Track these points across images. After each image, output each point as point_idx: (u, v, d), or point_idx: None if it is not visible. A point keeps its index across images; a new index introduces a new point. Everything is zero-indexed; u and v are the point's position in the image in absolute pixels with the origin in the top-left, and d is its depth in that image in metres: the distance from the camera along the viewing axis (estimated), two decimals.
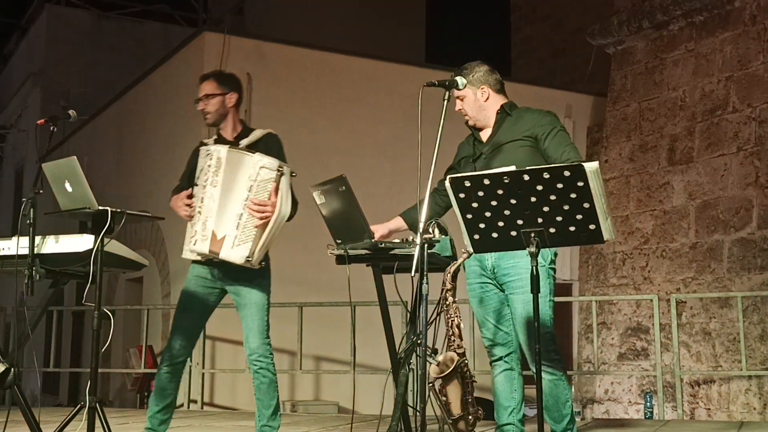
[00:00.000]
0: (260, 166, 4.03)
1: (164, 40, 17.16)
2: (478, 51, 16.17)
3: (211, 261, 4.17)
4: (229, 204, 4.03)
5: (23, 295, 3.72)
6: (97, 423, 3.77)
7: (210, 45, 10.47)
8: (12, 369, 3.94)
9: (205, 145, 4.28)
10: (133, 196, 11.78)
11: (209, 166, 4.09)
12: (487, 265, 3.96)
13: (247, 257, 3.99)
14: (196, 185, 4.14)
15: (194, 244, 4.07)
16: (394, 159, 10.98)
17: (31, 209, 3.70)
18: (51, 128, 3.99)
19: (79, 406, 3.77)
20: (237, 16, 16.26)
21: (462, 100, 4.07)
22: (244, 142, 4.24)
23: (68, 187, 3.77)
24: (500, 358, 4.00)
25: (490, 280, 3.99)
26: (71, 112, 4.15)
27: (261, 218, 3.99)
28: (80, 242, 3.77)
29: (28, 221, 3.71)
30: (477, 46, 16.21)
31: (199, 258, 4.19)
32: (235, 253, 3.99)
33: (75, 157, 3.72)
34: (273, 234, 4.05)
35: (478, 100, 4.08)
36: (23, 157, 18.34)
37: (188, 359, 4.34)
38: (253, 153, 4.09)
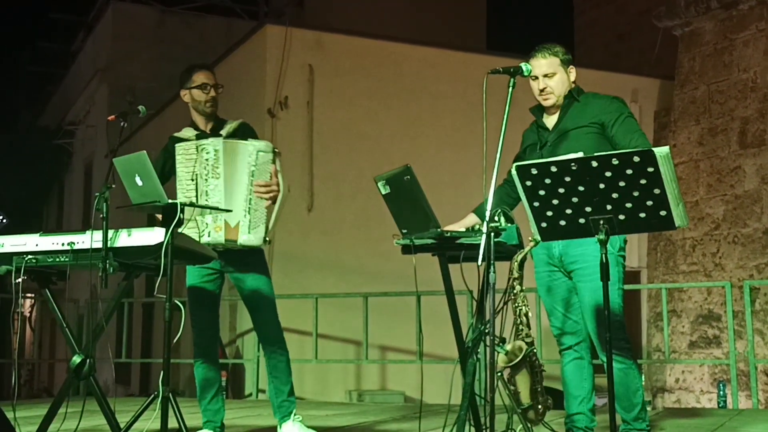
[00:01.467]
0: (257, 150, 4.24)
1: (226, 34, 17.36)
2: (540, 36, 16.01)
3: (214, 251, 4.30)
4: (235, 192, 4.21)
5: (95, 287, 3.81)
6: (170, 412, 3.85)
7: (272, 37, 10.57)
8: (87, 360, 4.05)
9: (181, 139, 4.39)
10: None
11: (206, 160, 4.22)
12: (555, 253, 3.96)
13: (265, 238, 4.23)
14: (193, 180, 4.24)
15: (208, 236, 4.20)
16: (457, 148, 10.95)
17: (104, 204, 3.79)
18: (121, 124, 4.08)
19: (152, 396, 3.86)
20: (297, 8, 16.35)
21: (550, 77, 4.00)
22: (223, 133, 4.41)
23: (139, 182, 3.85)
24: (570, 347, 3.98)
25: (557, 268, 3.99)
26: (140, 107, 4.24)
27: (269, 198, 4.22)
28: (152, 236, 3.85)
29: (101, 215, 3.80)
30: (539, 32, 16.04)
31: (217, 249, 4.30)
32: (253, 236, 4.21)
33: (145, 151, 3.80)
34: (280, 211, 4.28)
35: (566, 80, 4.04)
36: (92, 152, 18.76)
37: (218, 347, 4.54)
38: (246, 140, 4.28)
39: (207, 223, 4.22)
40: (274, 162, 4.27)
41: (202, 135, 4.42)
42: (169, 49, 17.54)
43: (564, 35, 16.36)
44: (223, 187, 4.19)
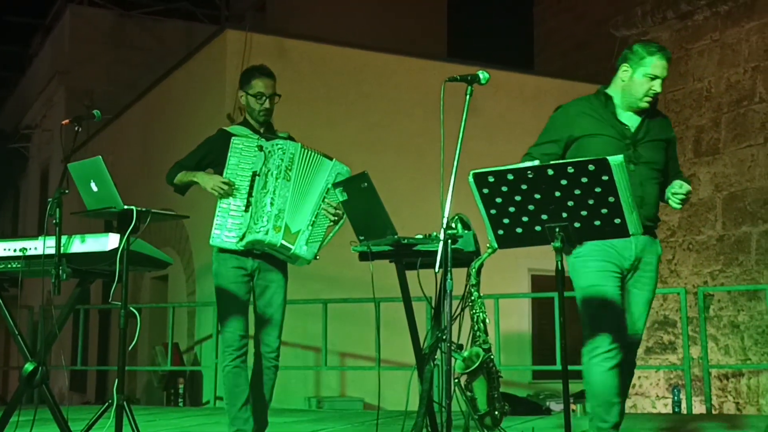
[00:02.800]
0: (337, 172, 4.27)
1: (186, 38, 17.24)
2: (500, 44, 16.13)
3: (250, 252, 4.23)
4: (305, 202, 4.22)
5: (50, 294, 3.76)
6: (125, 421, 3.81)
7: (232, 42, 10.51)
8: (40, 368, 3.99)
9: (232, 134, 4.30)
10: (157, 194, 11.84)
11: (282, 159, 4.20)
12: (631, 248, 3.74)
13: (315, 254, 4.25)
14: (258, 175, 4.18)
15: (266, 234, 4.13)
16: (416, 155, 10.97)
17: (57, 209, 3.74)
18: (76, 128, 4.03)
19: (107, 404, 3.81)
20: (258, 13, 16.30)
21: (662, 82, 3.90)
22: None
23: (94, 187, 3.81)
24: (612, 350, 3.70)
25: (618, 270, 3.73)
26: (95, 111, 4.18)
27: (333, 220, 4.25)
28: (106, 241, 3.81)
29: (54, 221, 3.75)
30: (499, 40, 16.18)
31: (239, 248, 4.19)
32: (308, 249, 4.21)
33: (101, 156, 3.76)
34: (332, 236, 4.30)
35: None
36: (48, 157, 18.50)
37: (247, 350, 4.35)
38: (331, 158, 4.29)
39: (267, 220, 4.15)
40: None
41: (254, 131, 4.37)
42: (127, 53, 17.39)
43: (523, 44, 16.48)
44: (292, 191, 4.19)
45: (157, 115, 12.85)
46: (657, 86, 3.83)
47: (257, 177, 4.18)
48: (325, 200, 4.24)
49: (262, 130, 4.40)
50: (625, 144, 3.79)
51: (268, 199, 4.14)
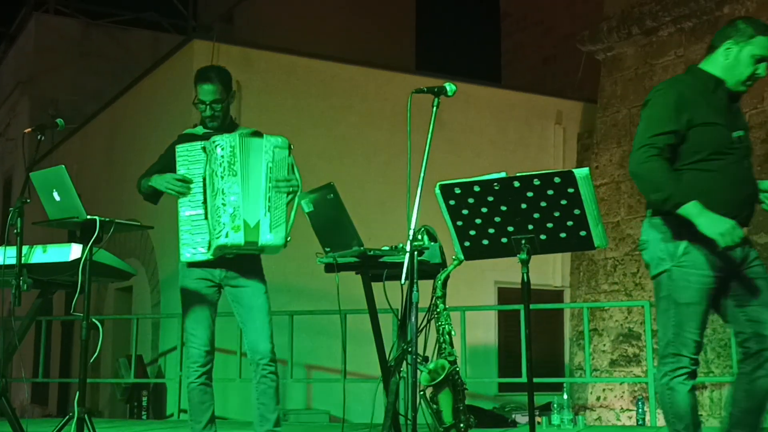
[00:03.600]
0: (273, 146, 4.01)
1: (153, 48, 17.12)
2: (468, 57, 16.21)
3: (212, 262, 4.04)
4: (253, 190, 3.96)
5: (11, 305, 3.70)
6: None
7: (199, 52, 10.46)
8: (0, 380, 3.92)
9: (191, 137, 4.16)
10: (122, 205, 11.74)
11: (222, 157, 3.96)
12: (737, 254, 3.36)
13: (286, 237, 3.98)
14: (205, 178, 3.99)
15: (226, 237, 3.92)
16: (383, 166, 10.97)
17: (19, 219, 3.68)
18: (39, 137, 3.97)
19: (67, 417, 3.75)
20: (226, 24, 16.24)
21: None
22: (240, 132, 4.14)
23: (56, 197, 3.76)
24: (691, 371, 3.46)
25: (721, 275, 3.38)
26: (59, 120, 4.13)
27: (288, 194, 3.99)
28: (68, 252, 3.76)
29: (15, 231, 3.69)
30: (467, 53, 16.28)
31: (208, 258, 4.01)
32: (275, 236, 3.95)
33: (63, 166, 3.71)
34: (296, 210, 4.04)
35: None
36: (12, 166, 18.27)
37: (212, 366, 4.17)
38: (261, 135, 4.04)
39: (224, 223, 3.93)
40: (291, 157, 4.06)
41: (211, 134, 4.13)
42: (93, 63, 17.22)
43: (491, 57, 16.60)
44: (241, 184, 3.94)
45: (122, 124, 12.74)
46: (762, 69, 3.41)
47: (205, 180, 4.01)
48: (271, 179, 3.97)
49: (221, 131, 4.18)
50: (738, 136, 3.38)
51: (219, 201, 3.94)
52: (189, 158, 4.04)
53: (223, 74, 4.29)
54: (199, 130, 4.26)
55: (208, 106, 4.16)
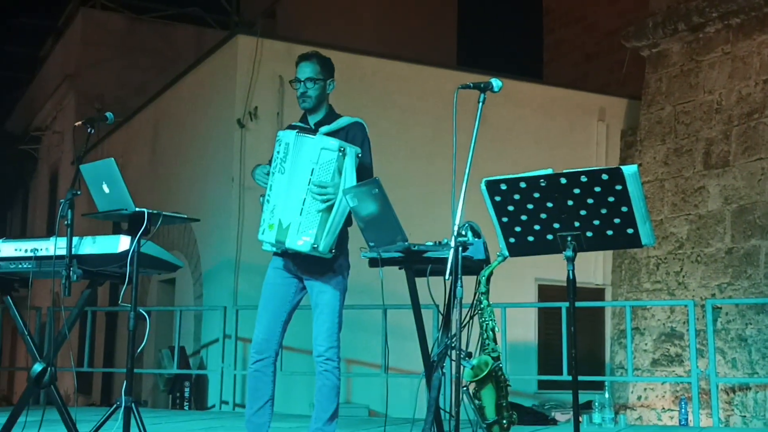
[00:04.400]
0: (321, 147, 3.89)
1: (196, 43, 17.28)
2: (510, 54, 16.13)
3: (286, 252, 4.05)
4: (294, 191, 3.90)
5: (58, 295, 3.76)
6: (132, 423, 3.80)
7: (243, 48, 10.53)
8: (48, 369, 3.99)
9: (293, 128, 4.14)
10: (166, 197, 11.88)
11: (278, 152, 3.96)
12: None
13: (313, 244, 3.85)
14: (267, 174, 4.02)
15: (262, 234, 3.95)
16: (425, 162, 10.97)
17: (69, 210, 3.74)
18: (88, 130, 4.04)
19: (115, 406, 3.81)
20: (269, 19, 16.32)
21: None
22: (323, 129, 4.09)
23: (105, 189, 3.81)
24: None
25: None
26: (108, 114, 4.19)
27: (323, 201, 3.86)
28: (117, 243, 3.81)
29: (66, 222, 3.75)
30: (509, 49, 16.17)
31: (275, 250, 4.05)
32: (301, 240, 3.86)
33: (113, 158, 3.76)
34: (339, 218, 3.91)
35: None
36: (58, 158, 18.56)
37: (276, 355, 4.17)
38: (314, 135, 3.97)
39: (264, 219, 3.94)
40: (337, 162, 3.89)
41: (303, 130, 4.11)
42: (138, 57, 17.43)
43: (533, 53, 16.48)
44: (286, 183, 3.91)
45: (166, 119, 12.87)
46: None
47: (266, 175, 4.04)
48: (311, 181, 3.87)
49: (318, 119, 4.16)
50: None
51: (267, 196, 3.97)
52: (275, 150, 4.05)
53: (326, 59, 4.27)
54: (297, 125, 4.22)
55: (302, 83, 4.13)
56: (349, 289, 10.33)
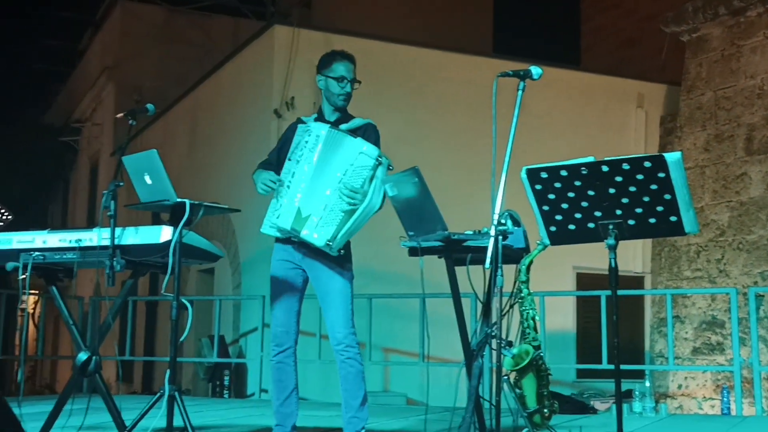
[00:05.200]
0: (359, 151, 3.95)
1: (233, 34, 17.35)
2: (547, 41, 16.00)
3: (291, 240, 4.10)
4: (320, 183, 3.94)
5: (99, 285, 3.81)
6: (174, 411, 3.85)
7: (280, 38, 10.56)
8: (93, 357, 4.05)
9: (303, 122, 4.21)
10: (204, 187, 11.97)
11: (306, 142, 4.00)
12: None
13: (328, 240, 3.90)
14: (289, 160, 4.06)
15: (277, 218, 3.98)
16: (463, 150, 10.94)
17: (112, 201, 3.79)
18: (130, 122, 4.08)
19: (159, 394, 3.85)
20: (304, 9, 16.34)
21: None
22: (343, 127, 4.15)
23: (148, 180, 3.85)
24: None
25: None
26: (149, 105, 4.24)
27: (349, 203, 3.92)
28: (159, 234, 3.85)
29: (109, 213, 3.80)
30: (546, 36, 16.03)
31: (279, 235, 4.12)
32: (317, 234, 3.90)
33: (156, 150, 3.79)
34: (358, 223, 3.97)
35: None
36: (98, 150, 18.77)
37: (295, 344, 4.23)
38: (356, 137, 4.02)
39: (281, 204, 3.99)
40: (372, 170, 3.97)
41: (320, 120, 4.20)
42: (176, 49, 17.54)
43: (571, 40, 16.34)
44: (312, 173, 3.94)
45: (204, 109, 12.97)
46: None
47: (288, 161, 4.08)
48: (341, 180, 3.92)
49: (335, 117, 4.25)
50: None
51: (287, 182, 4.00)
52: (297, 138, 4.10)
53: None
54: (312, 118, 4.28)
55: (349, 83, 4.25)
56: (385, 278, 10.30)
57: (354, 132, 4.14)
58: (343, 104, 4.28)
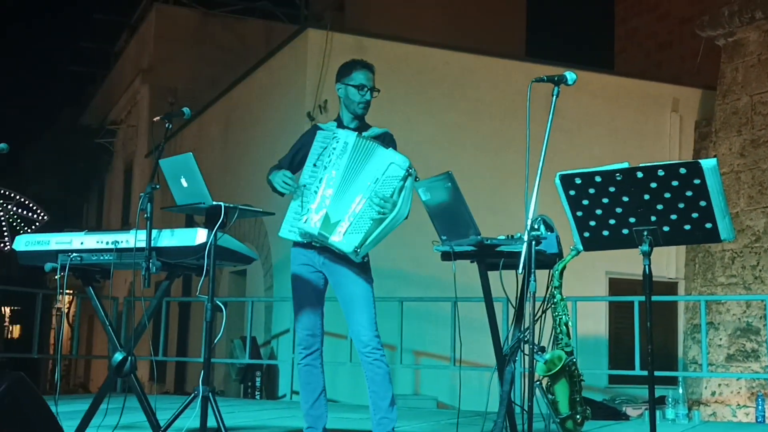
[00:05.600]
0: (391, 162, 3.99)
1: (266, 37, 17.48)
2: (580, 44, 15.91)
3: (311, 245, 4.14)
4: (350, 191, 3.99)
5: (133, 285, 3.86)
6: (208, 412, 3.88)
7: (313, 41, 10.62)
8: (129, 358, 4.11)
9: (320, 128, 4.26)
10: (237, 190, 12.06)
11: (334, 149, 4.05)
12: None
13: (356, 247, 3.94)
14: (315, 165, 4.10)
15: (305, 222, 4.02)
16: (494, 154, 10.93)
17: (149, 204, 3.84)
18: (167, 125, 4.13)
19: (193, 395, 3.89)
20: (337, 12, 16.41)
21: None
22: (365, 134, 4.20)
23: (184, 183, 3.89)
24: None
25: None
26: (185, 109, 4.29)
27: (379, 212, 3.95)
28: (194, 236, 3.89)
29: (145, 215, 3.85)
30: (579, 39, 15.98)
31: (300, 239, 4.15)
32: (346, 240, 3.94)
33: (191, 153, 3.84)
34: (385, 232, 4.01)
35: None
36: (132, 152, 18.97)
37: (321, 346, 4.27)
38: (387, 147, 4.07)
39: (309, 209, 4.02)
40: (403, 181, 4.00)
41: (341, 128, 4.24)
42: (209, 52, 17.71)
43: (604, 43, 16.26)
44: (340, 180, 4.00)
45: (238, 112, 13.06)
46: None
47: (314, 167, 4.11)
48: (372, 189, 3.96)
49: (353, 126, 4.30)
50: None
51: (313, 187, 4.04)
52: (320, 144, 4.14)
53: None
54: (332, 125, 4.32)
55: (369, 91, 4.29)
56: (417, 281, 10.29)
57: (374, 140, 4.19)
58: (363, 112, 4.32)
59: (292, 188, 4.10)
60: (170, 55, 17.58)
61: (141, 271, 3.85)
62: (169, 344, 11.87)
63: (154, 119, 4.23)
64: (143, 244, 3.87)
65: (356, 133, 4.13)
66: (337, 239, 3.96)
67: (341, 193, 4.00)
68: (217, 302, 3.94)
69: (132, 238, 3.93)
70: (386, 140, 4.27)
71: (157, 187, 3.89)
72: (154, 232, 3.91)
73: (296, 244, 4.25)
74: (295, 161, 4.31)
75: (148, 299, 4.24)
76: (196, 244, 3.87)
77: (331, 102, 10.37)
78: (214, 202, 3.85)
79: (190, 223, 12.69)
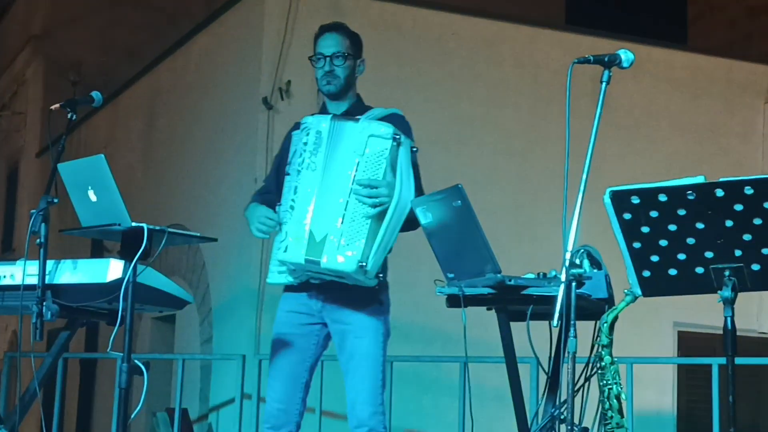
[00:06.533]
0: (368, 134, 4.00)
1: None
2: (637, 8, 16.04)
3: (308, 284, 4.15)
4: (330, 191, 4.00)
5: (19, 337, 3.84)
6: None
7: (272, 1, 10.63)
8: None
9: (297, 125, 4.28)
10: (164, 202, 12.06)
11: (305, 144, 4.07)
12: None
13: (360, 261, 3.91)
14: (288, 174, 4.12)
15: (285, 251, 4.02)
16: (522, 159, 10.96)
17: (43, 225, 3.82)
18: (69, 116, 4.13)
19: None
20: None
21: None
22: (364, 117, 4.19)
23: (92, 196, 3.88)
24: None
25: None
26: (95, 93, 4.29)
27: (373, 205, 3.95)
28: (106, 270, 3.88)
29: (38, 240, 3.83)
30: (636, 3, 16.07)
31: (292, 281, 4.14)
32: (342, 257, 3.92)
33: (103, 155, 3.83)
34: (392, 230, 3.99)
35: None
36: (20, 148, 18.90)
37: (297, 428, 4.27)
38: (357, 119, 4.08)
39: (286, 232, 4.03)
40: (393, 155, 3.99)
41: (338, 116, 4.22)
42: (126, 13, 17.63)
43: (670, 8, 16.36)
44: (319, 183, 4.01)
45: (167, 95, 13.06)
46: None
47: (287, 176, 4.15)
48: (355, 180, 3.96)
49: (343, 110, 4.30)
50: None
51: (289, 203, 4.06)
52: (294, 143, 4.17)
53: (355, 33, 4.46)
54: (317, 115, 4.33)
55: (327, 60, 4.29)
56: (417, 337, 10.39)
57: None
58: (330, 89, 4.33)
59: (273, 228, 4.11)
60: (72, 18, 17.57)
61: (31, 317, 3.84)
62: (66, 419, 11.82)
63: (52, 107, 4.23)
64: (34, 281, 3.86)
65: (330, 115, 4.15)
66: (332, 260, 3.94)
67: (321, 199, 4.01)
68: (136, 361, 3.93)
69: (19, 272, 3.93)
70: (394, 123, 4.19)
71: (55, 201, 3.88)
72: (50, 263, 3.91)
73: (288, 288, 4.26)
74: (279, 180, 4.29)
75: (39, 356, 4.23)
76: (108, 281, 3.86)
77: (295, 84, 10.38)
78: (134, 223, 3.85)
79: (98, 252, 12.62)
